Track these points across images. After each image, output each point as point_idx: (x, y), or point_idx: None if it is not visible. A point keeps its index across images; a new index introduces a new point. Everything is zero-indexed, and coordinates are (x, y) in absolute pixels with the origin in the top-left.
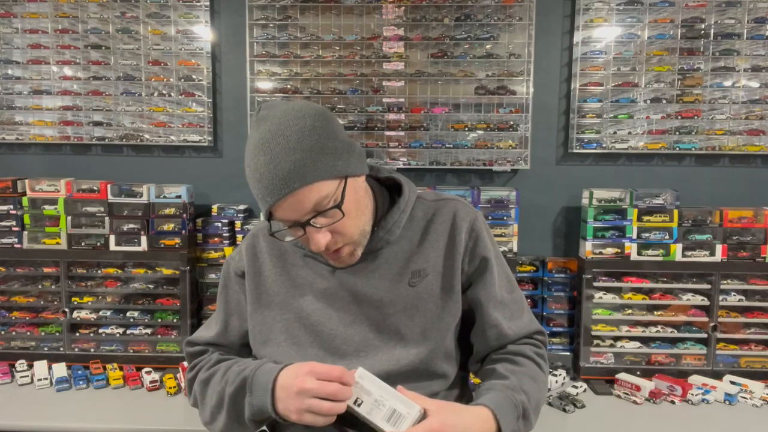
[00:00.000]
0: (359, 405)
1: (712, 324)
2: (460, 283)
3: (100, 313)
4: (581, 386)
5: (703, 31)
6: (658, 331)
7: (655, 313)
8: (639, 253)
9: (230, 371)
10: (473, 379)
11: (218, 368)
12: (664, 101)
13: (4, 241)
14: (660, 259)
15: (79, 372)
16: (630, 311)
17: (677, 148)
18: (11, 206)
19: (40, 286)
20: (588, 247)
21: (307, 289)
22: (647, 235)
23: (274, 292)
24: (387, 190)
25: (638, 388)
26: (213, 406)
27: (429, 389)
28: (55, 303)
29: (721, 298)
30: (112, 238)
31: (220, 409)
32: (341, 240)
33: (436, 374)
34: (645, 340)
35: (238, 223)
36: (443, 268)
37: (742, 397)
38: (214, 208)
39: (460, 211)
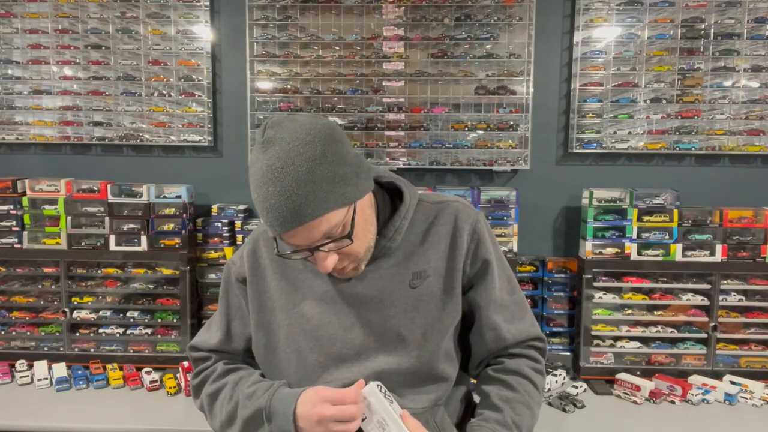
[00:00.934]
0: (363, 419)
1: (712, 324)
2: (461, 285)
3: (100, 313)
4: (581, 386)
5: (703, 31)
6: (658, 331)
7: (655, 313)
8: (639, 253)
9: (239, 390)
10: (471, 379)
11: (225, 382)
12: (664, 101)
13: (4, 241)
14: (660, 259)
15: (79, 372)
16: (630, 311)
17: (677, 148)
18: (11, 206)
19: (40, 286)
20: (588, 247)
21: (307, 293)
22: (647, 235)
23: (276, 298)
24: (388, 194)
25: (638, 388)
26: (223, 421)
27: (434, 394)
28: (55, 303)
29: (721, 298)
30: (112, 238)
31: (231, 424)
32: (347, 260)
33: (439, 377)
34: (645, 340)
35: (238, 223)
36: (444, 270)
37: (742, 397)
38: (214, 208)
39: (462, 213)
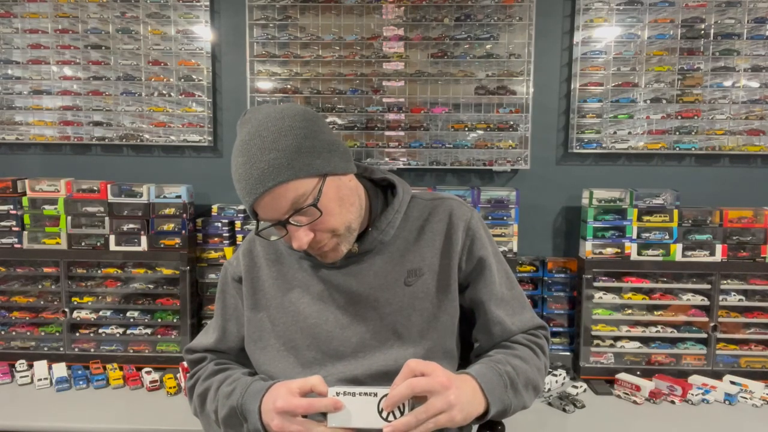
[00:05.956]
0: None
1: (712, 324)
2: (456, 282)
3: (100, 313)
4: (581, 386)
5: (703, 31)
6: (658, 331)
7: (655, 313)
8: (639, 253)
9: (220, 391)
10: None
11: (211, 383)
12: (664, 101)
13: (4, 241)
14: (660, 259)
15: (79, 372)
16: (630, 311)
17: (677, 148)
18: (11, 206)
19: (40, 286)
20: (588, 247)
21: (303, 292)
22: (647, 235)
23: (271, 296)
24: (381, 191)
25: (638, 388)
26: (211, 421)
27: None
28: (55, 303)
29: (721, 298)
30: (112, 238)
31: (218, 426)
32: (324, 238)
33: None
34: (645, 340)
35: (238, 223)
36: (439, 267)
37: (742, 397)
38: (214, 208)
39: (456, 210)
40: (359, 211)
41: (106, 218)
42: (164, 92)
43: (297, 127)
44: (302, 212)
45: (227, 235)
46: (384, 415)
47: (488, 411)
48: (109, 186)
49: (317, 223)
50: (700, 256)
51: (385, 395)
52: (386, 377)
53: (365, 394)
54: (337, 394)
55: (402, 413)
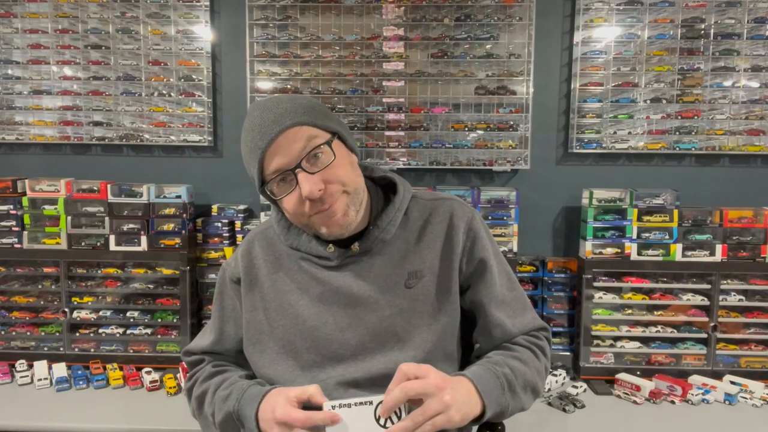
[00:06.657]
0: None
1: (712, 324)
2: (457, 284)
3: (100, 313)
4: (581, 386)
5: (703, 31)
6: (658, 331)
7: (655, 313)
8: (639, 253)
9: (216, 395)
10: None
11: (209, 386)
12: (664, 101)
13: (4, 241)
14: (660, 259)
15: (79, 372)
16: (630, 311)
17: (677, 148)
18: (11, 206)
19: (40, 286)
20: (588, 247)
21: (302, 294)
22: (647, 235)
23: (270, 298)
24: (382, 190)
25: (638, 388)
26: (209, 424)
27: None
28: (55, 303)
29: (721, 298)
30: (112, 238)
31: (216, 429)
32: (335, 192)
33: None
34: (645, 340)
35: (238, 223)
36: (440, 269)
37: (742, 397)
38: (214, 208)
39: (457, 211)
40: (365, 187)
41: (106, 218)
42: (164, 92)
43: (309, 98)
44: (314, 155)
45: (227, 235)
46: (382, 422)
47: (485, 413)
48: (109, 186)
49: (328, 173)
50: (700, 256)
51: (381, 402)
52: (386, 380)
53: (361, 403)
54: (333, 407)
55: (399, 418)
